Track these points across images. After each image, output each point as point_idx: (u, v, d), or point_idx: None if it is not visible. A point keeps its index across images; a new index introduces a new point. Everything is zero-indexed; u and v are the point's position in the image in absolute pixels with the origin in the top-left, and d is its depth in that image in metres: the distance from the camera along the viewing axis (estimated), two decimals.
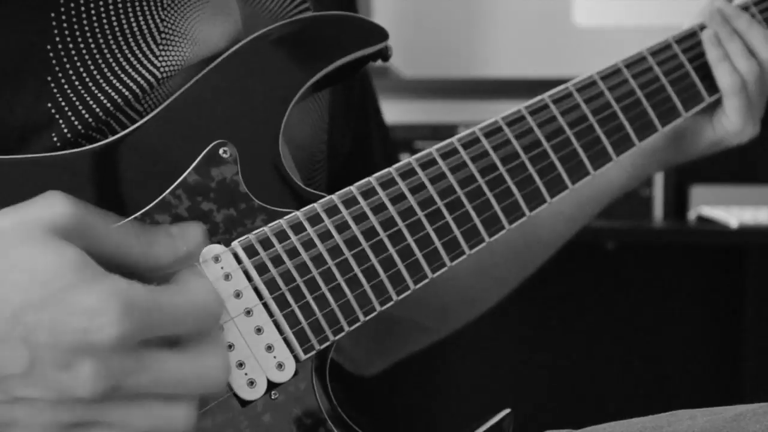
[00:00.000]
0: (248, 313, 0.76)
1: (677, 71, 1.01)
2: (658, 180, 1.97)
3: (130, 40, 0.81)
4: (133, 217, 0.75)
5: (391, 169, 0.83)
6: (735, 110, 1.04)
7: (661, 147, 1.10)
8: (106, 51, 0.80)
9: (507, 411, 0.81)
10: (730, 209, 1.96)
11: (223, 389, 0.64)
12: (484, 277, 1.12)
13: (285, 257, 0.78)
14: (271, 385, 0.76)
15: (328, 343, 0.79)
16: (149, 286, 0.63)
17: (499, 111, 0.90)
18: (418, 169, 0.84)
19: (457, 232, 0.84)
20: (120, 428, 0.62)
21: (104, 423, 0.62)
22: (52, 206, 0.63)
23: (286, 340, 0.77)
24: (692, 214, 2.00)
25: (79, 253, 0.62)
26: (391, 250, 0.81)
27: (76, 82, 0.79)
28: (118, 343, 0.60)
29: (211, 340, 0.66)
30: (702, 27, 1.05)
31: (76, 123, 0.79)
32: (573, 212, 1.11)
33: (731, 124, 1.06)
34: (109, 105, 0.79)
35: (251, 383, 0.75)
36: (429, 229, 0.83)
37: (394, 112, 1.53)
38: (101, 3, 0.80)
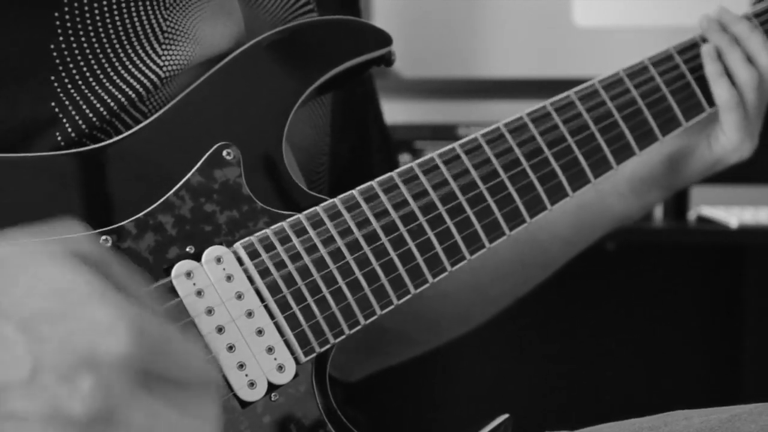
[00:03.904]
0: (249, 314, 0.76)
1: (678, 81, 1.01)
2: None
3: (133, 39, 0.81)
4: (136, 217, 0.75)
5: (394, 174, 0.83)
6: (732, 125, 1.03)
7: (660, 172, 1.08)
8: (109, 50, 0.80)
9: (505, 416, 0.81)
10: (730, 209, 1.96)
11: None
12: (480, 294, 1.11)
13: (287, 260, 0.78)
14: (272, 387, 0.76)
15: (328, 346, 0.79)
16: (163, 319, 0.63)
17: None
18: (421, 175, 0.84)
19: (458, 237, 0.85)
20: None
21: None
22: (78, 238, 0.63)
23: (286, 342, 0.77)
24: (692, 214, 2.00)
25: (98, 273, 0.62)
26: (392, 254, 0.82)
27: (80, 82, 0.79)
28: (122, 360, 0.59)
29: (209, 404, 0.64)
30: (704, 39, 1.05)
31: (80, 123, 0.79)
32: (571, 236, 1.10)
33: (729, 141, 1.04)
34: (113, 105, 0.80)
35: (251, 384, 0.75)
36: (430, 234, 0.84)
37: (394, 112, 1.53)
38: (105, 2, 0.80)
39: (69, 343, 0.59)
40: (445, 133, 1.93)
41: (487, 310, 1.14)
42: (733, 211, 1.94)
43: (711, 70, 1.02)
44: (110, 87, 0.80)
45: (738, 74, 1.03)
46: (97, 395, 0.59)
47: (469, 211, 0.85)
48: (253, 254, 0.77)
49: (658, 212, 2.00)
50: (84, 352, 0.59)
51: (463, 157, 0.86)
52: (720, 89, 1.02)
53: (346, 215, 0.81)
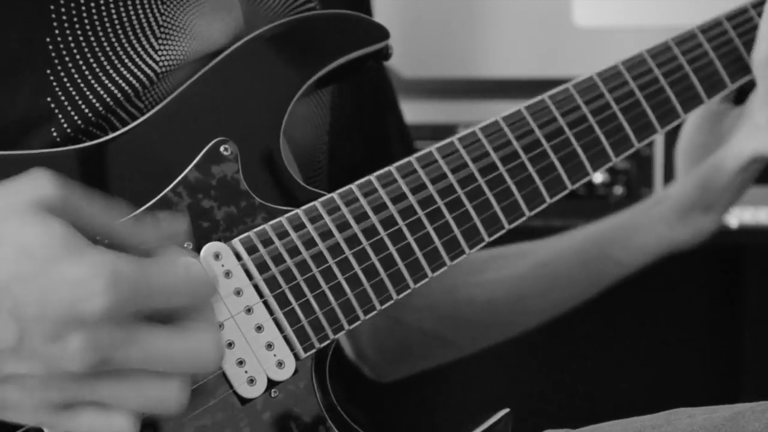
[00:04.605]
0: (249, 311, 0.76)
1: (676, 73, 1.01)
2: (658, 180, 1.97)
3: (130, 33, 0.81)
4: (134, 214, 0.75)
5: (392, 168, 0.83)
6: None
7: (697, 195, 1.09)
8: (105, 44, 0.80)
9: (505, 411, 0.81)
10: (730, 209, 1.96)
11: (215, 368, 0.64)
12: (524, 305, 1.12)
13: (285, 255, 0.78)
14: (271, 384, 0.76)
15: (328, 342, 0.79)
16: (137, 257, 0.63)
17: (499, 111, 0.90)
18: (419, 168, 0.84)
19: (457, 231, 0.84)
20: (111, 406, 0.62)
21: (95, 401, 0.62)
22: (39, 183, 0.63)
23: (286, 339, 0.77)
24: None
25: (65, 225, 0.61)
26: (392, 248, 0.82)
27: (76, 76, 0.79)
28: (107, 314, 0.59)
29: (204, 318, 0.65)
30: (703, 30, 1.05)
31: (75, 118, 0.79)
32: (622, 257, 1.11)
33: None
34: (108, 100, 0.80)
35: (251, 381, 0.75)
36: (429, 228, 0.83)
37: None
38: None
39: (50, 306, 0.59)
40: (445, 133, 1.92)
41: (530, 321, 1.15)
42: (733, 211, 1.94)
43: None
44: (106, 81, 0.80)
45: None
46: (89, 351, 0.60)
47: (468, 205, 0.85)
48: (252, 250, 0.77)
49: None
50: (66, 311, 0.59)
51: (461, 150, 0.86)
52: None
53: (345, 209, 0.81)
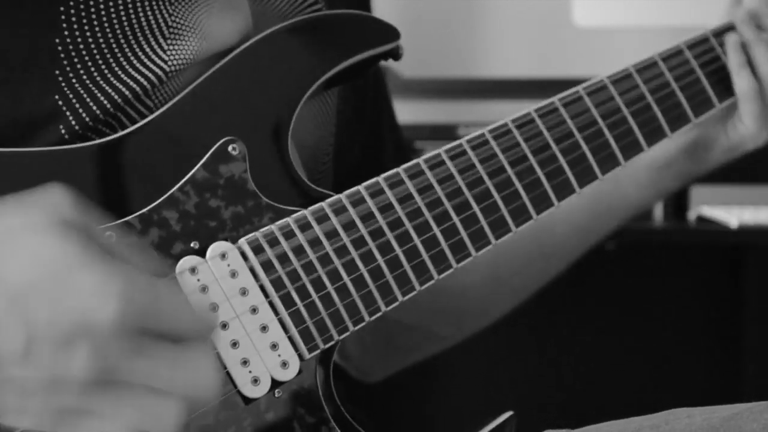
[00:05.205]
0: (254, 310, 0.76)
1: (688, 77, 1.01)
2: None
3: (138, 33, 0.81)
4: (141, 212, 0.75)
5: (400, 170, 0.83)
6: (750, 115, 1.04)
7: (677, 159, 1.09)
8: (114, 44, 0.80)
9: (509, 413, 0.81)
10: (730, 209, 1.96)
11: (212, 396, 0.64)
12: (500, 286, 1.12)
13: (292, 256, 0.78)
14: (275, 383, 0.76)
15: (332, 343, 0.79)
16: (150, 276, 0.63)
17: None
18: (427, 170, 0.84)
19: (464, 233, 0.84)
20: (110, 419, 0.62)
21: (95, 412, 0.62)
22: (56, 198, 0.63)
23: (290, 339, 0.77)
24: (692, 214, 2.00)
25: (81, 236, 0.62)
26: (398, 250, 0.82)
27: (84, 76, 0.79)
28: (115, 327, 0.60)
29: (204, 348, 0.65)
30: (716, 33, 1.05)
31: (84, 116, 0.79)
32: (588, 224, 1.11)
33: (746, 129, 1.06)
34: (118, 99, 0.80)
35: (255, 381, 0.75)
36: (436, 230, 0.83)
37: None
38: None
39: (60, 312, 0.60)
40: (445, 133, 1.92)
41: (508, 302, 1.15)
42: (733, 211, 1.94)
43: (735, 60, 1.04)
44: (115, 81, 0.80)
45: (762, 68, 1.04)
46: (95, 360, 0.60)
47: (476, 207, 0.85)
48: (258, 250, 0.77)
49: (658, 212, 1.99)
50: (76, 320, 0.59)
51: (470, 152, 0.86)
52: (741, 80, 1.04)
53: (351, 211, 0.81)
